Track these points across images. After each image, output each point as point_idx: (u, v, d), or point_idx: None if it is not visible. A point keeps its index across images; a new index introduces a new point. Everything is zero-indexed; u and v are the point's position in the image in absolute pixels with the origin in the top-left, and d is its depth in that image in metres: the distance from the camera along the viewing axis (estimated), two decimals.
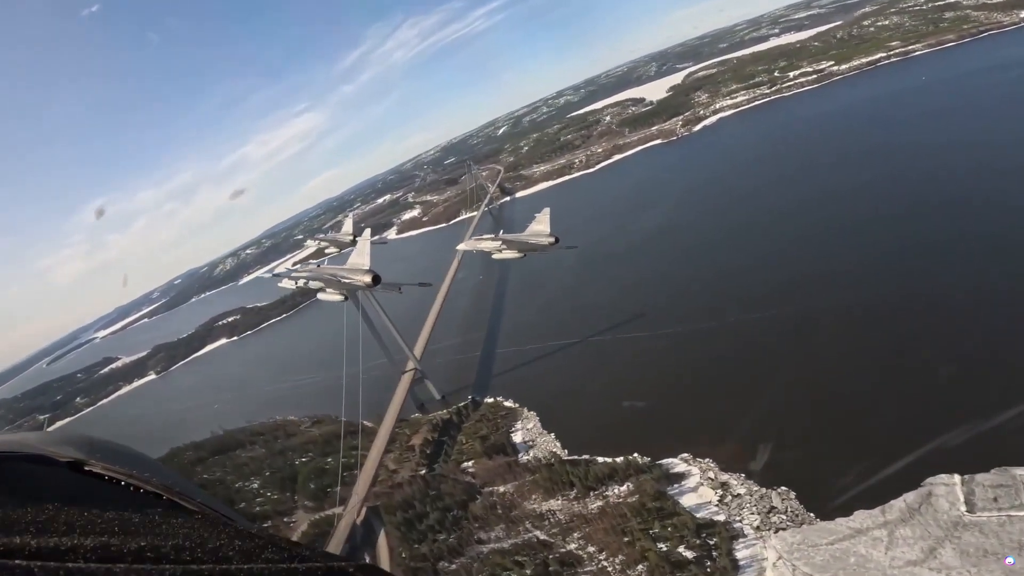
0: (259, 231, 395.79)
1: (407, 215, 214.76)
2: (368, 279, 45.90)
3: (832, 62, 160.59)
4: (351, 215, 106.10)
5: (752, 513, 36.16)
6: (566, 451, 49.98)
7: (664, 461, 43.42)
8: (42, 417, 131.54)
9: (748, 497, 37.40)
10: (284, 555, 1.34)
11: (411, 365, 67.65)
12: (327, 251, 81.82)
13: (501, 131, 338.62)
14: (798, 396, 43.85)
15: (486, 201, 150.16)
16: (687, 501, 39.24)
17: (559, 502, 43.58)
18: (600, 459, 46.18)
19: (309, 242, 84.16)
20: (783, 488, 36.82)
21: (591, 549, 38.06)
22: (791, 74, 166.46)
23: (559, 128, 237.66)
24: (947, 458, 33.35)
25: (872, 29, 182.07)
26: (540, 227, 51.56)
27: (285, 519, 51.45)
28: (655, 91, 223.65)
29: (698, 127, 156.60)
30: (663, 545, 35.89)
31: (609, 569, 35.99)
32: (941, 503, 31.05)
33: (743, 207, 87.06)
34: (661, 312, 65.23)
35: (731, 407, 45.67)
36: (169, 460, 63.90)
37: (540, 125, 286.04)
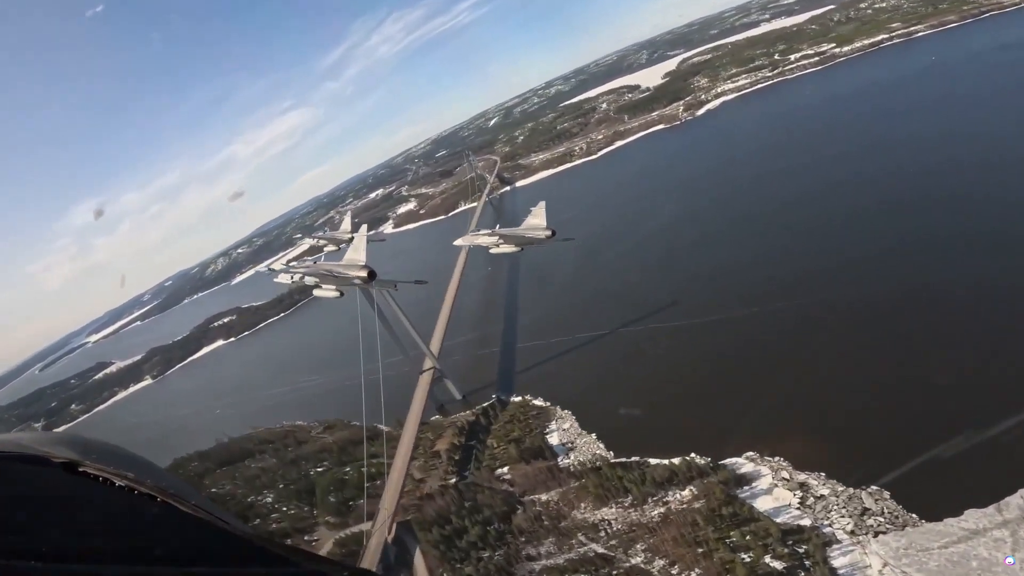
0: (249, 230, 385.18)
1: (402, 208, 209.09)
2: (364, 275, 43.36)
3: (833, 44, 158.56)
4: (349, 212, 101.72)
5: (842, 516, 32.59)
6: (611, 453, 46.12)
7: (727, 461, 39.78)
8: (37, 425, 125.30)
9: (834, 498, 33.82)
10: (278, 558, 1.37)
11: (428, 364, 63.11)
12: (326, 249, 78.21)
13: (492, 122, 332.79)
14: (865, 383, 40.31)
15: (487, 191, 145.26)
16: (762, 505, 35.59)
17: (613, 510, 39.72)
18: (653, 461, 42.43)
19: (306, 240, 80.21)
20: (874, 487, 33.25)
21: (660, 563, 34.24)
22: (792, 57, 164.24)
23: (554, 117, 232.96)
24: None
25: (870, 11, 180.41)
26: (536, 221, 49.76)
27: (306, 537, 46.75)
28: (649, 78, 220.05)
29: (701, 111, 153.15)
30: (746, 555, 32.17)
31: None
32: None
33: (766, 189, 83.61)
34: (695, 300, 61.55)
35: (792, 399, 42.09)
36: (173, 472, 58.78)
37: (533, 115, 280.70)
